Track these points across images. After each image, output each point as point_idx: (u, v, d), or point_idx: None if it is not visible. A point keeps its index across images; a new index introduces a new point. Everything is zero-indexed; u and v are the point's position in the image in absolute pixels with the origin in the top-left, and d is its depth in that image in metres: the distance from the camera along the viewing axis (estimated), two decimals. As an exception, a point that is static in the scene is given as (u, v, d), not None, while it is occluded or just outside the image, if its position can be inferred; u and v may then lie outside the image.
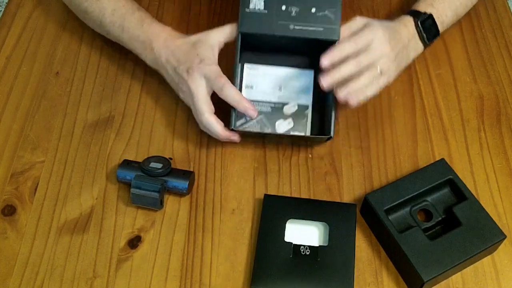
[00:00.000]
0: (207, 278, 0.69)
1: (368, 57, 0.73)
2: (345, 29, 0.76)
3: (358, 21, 0.76)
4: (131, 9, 0.83)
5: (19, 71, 0.88)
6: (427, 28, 0.81)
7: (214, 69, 0.74)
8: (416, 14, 0.81)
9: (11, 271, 0.70)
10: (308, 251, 0.68)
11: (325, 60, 0.71)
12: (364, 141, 0.80)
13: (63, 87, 0.86)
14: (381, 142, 0.80)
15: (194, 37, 0.78)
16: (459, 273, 0.69)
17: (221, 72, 0.75)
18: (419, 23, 0.80)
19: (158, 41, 0.79)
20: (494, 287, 0.68)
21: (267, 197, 0.73)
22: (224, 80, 0.74)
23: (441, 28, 0.83)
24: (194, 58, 0.75)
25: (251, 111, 0.74)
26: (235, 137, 0.77)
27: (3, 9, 0.99)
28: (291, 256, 0.68)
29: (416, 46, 0.81)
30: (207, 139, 0.81)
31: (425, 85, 0.86)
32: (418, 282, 0.65)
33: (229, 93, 0.73)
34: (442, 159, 0.74)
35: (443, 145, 0.80)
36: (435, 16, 0.82)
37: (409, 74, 0.87)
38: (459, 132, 0.81)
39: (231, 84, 0.74)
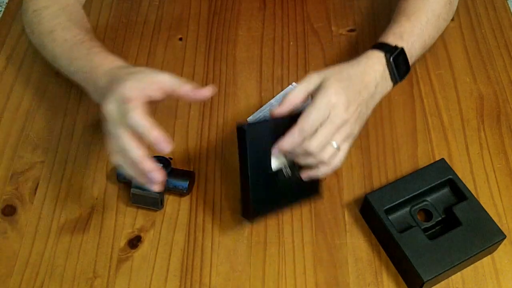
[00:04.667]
0: (207, 278, 0.69)
1: (327, 134, 0.65)
2: (301, 91, 0.66)
3: (314, 79, 0.67)
4: (82, 39, 0.73)
5: (19, 71, 0.88)
6: (399, 65, 0.73)
7: (127, 92, 0.60)
8: (387, 49, 0.72)
9: (11, 271, 0.70)
10: (289, 172, 0.69)
11: (283, 146, 0.65)
12: (364, 141, 0.80)
13: (63, 87, 0.86)
14: (381, 142, 0.80)
15: (137, 68, 0.67)
16: (459, 273, 0.69)
17: (133, 98, 0.60)
18: (391, 60, 0.71)
19: (101, 69, 0.68)
20: (494, 287, 0.68)
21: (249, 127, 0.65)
22: (133, 104, 0.59)
23: (410, 63, 0.75)
24: (118, 83, 0.62)
25: (163, 143, 0.60)
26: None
27: (3, 9, 0.99)
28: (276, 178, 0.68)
29: (384, 87, 0.73)
30: (207, 139, 0.81)
31: (425, 85, 0.86)
32: (418, 282, 0.65)
33: (134, 120, 0.59)
34: (442, 159, 0.74)
35: (443, 145, 0.80)
36: (406, 50, 0.73)
37: (409, 74, 0.87)
38: (459, 132, 0.81)
39: (141, 110, 0.60)
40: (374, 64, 0.71)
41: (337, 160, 0.67)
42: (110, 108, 0.61)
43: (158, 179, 0.61)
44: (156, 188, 0.62)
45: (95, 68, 0.68)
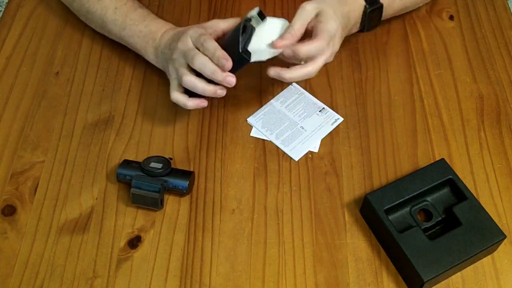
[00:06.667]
0: (207, 278, 0.69)
1: (324, 60, 0.75)
2: (301, 25, 0.74)
3: (310, 13, 0.75)
4: (133, 7, 0.85)
5: (19, 71, 0.88)
6: (373, 18, 0.82)
7: (198, 29, 0.75)
8: (369, 0, 0.80)
9: (11, 271, 0.70)
10: None
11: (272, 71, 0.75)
12: (364, 141, 0.80)
13: (63, 87, 0.86)
14: (381, 142, 0.80)
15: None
16: (459, 273, 0.69)
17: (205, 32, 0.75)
18: (368, 12, 0.80)
19: (160, 32, 0.81)
20: (494, 287, 0.68)
21: None
22: (206, 36, 0.74)
23: (382, 19, 0.84)
24: (183, 31, 0.77)
25: (224, 60, 0.71)
26: (204, 103, 0.76)
27: (3, 9, 0.99)
28: None
29: (352, 30, 0.83)
30: (207, 139, 0.81)
31: (425, 85, 0.86)
32: (418, 282, 0.65)
33: (208, 45, 0.72)
34: (442, 159, 0.74)
35: (443, 145, 0.80)
36: (384, 7, 0.82)
37: (409, 74, 0.87)
38: (459, 132, 0.81)
39: (212, 39, 0.73)
40: (355, 10, 0.80)
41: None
42: (187, 41, 0.74)
43: (232, 81, 0.72)
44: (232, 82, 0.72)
45: (155, 31, 0.81)
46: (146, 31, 0.82)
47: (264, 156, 0.79)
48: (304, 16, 0.74)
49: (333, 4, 0.76)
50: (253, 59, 0.72)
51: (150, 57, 0.83)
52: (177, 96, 0.76)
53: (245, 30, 0.73)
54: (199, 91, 0.74)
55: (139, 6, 0.85)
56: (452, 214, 0.70)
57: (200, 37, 0.74)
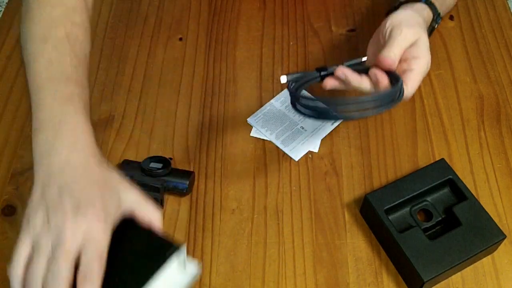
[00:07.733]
0: (207, 278, 0.69)
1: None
2: (399, 49, 0.67)
3: (409, 37, 0.67)
4: (70, 77, 0.62)
5: (19, 71, 0.88)
6: (432, 30, 0.80)
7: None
8: (435, 17, 0.77)
9: (11, 271, 0.70)
10: None
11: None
12: (364, 141, 0.80)
13: (63, 87, 0.86)
14: (381, 142, 0.80)
15: (114, 174, 0.55)
16: (459, 273, 0.69)
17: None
18: (435, 26, 0.79)
19: (69, 133, 0.55)
20: (494, 287, 0.68)
21: None
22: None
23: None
24: (96, 200, 0.51)
25: None
26: None
27: (3, 9, 0.99)
28: None
29: None
30: (207, 139, 0.81)
31: (425, 85, 0.86)
32: (418, 282, 0.65)
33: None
34: (442, 159, 0.74)
35: (443, 145, 0.80)
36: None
37: (409, 74, 0.87)
38: (459, 132, 0.81)
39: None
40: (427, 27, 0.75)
41: None
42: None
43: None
44: None
45: (65, 122, 0.56)
46: (57, 111, 0.57)
47: (264, 156, 0.79)
48: (402, 42, 0.66)
49: (424, 33, 0.69)
50: None
51: (34, 152, 0.54)
52: None
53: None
54: None
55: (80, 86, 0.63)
56: (452, 214, 0.70)
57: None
